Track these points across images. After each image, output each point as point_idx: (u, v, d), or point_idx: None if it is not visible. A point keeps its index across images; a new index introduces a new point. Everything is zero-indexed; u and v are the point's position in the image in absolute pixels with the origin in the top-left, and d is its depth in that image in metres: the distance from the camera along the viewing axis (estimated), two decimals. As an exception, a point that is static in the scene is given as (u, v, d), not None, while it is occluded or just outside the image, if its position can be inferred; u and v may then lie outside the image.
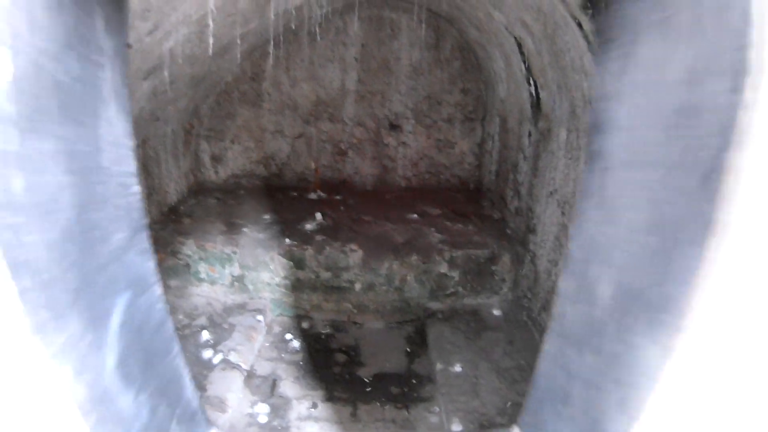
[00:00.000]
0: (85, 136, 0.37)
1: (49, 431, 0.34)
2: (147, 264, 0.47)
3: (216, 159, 2.17)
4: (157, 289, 0.49)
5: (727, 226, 0.32)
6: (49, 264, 0.33)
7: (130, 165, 0.45)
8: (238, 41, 1.61)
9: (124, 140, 0.43)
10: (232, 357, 1.24)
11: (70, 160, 0.35)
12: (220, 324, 1.40)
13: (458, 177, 2.32)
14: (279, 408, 1.13)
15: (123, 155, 0.43)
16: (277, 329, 1.48)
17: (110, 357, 0.39)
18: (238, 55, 1.82)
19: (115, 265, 0.41)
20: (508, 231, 1.68)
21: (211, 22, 1.26)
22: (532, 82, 1.47)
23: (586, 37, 1.01)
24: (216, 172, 2.18)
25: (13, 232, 0.30)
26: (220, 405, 1.04)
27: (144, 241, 0.47)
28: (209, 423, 0.52)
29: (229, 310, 1.47)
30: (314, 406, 1.16)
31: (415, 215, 1.81)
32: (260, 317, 1.44)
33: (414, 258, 1.50)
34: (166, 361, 0.48)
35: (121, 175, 0.43)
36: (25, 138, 0.30)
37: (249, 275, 1.55)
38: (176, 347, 0.50)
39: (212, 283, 1.57)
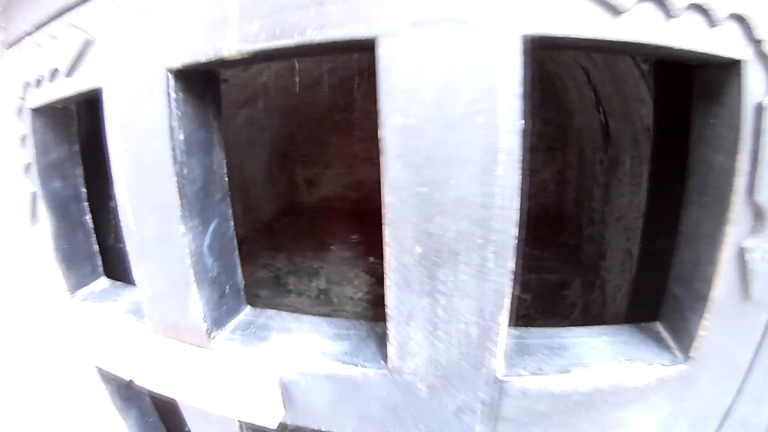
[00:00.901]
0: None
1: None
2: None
3: (309, 182, 2.67)
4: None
5: None
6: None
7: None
8: (326, 76, 2.02)
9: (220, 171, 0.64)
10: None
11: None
12: None
13: (541, 205, 2.48)
14: None
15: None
16: None
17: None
18: (327, 88, 2.24)
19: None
20: (582, 257, 1.81)
21: (296, 62, 1.57)
22: (601, 110, 1.66)
23: (638, 66, 1.21)
24: (309, 194, 2.67)
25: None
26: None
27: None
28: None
29: None
30: None
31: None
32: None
33: (486, 280, 1.73)
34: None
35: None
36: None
37: (334, 289, 1.93)
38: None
39: (299, 294, 1.98)
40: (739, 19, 0.32)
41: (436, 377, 0.38)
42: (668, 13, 0.30)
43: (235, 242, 0.47)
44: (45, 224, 0.57)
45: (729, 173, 0.36)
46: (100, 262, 0.63)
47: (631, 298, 0.72)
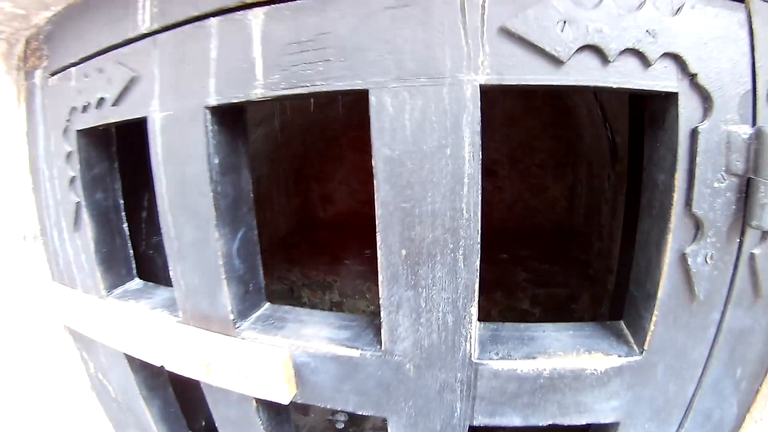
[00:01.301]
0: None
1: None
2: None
3: (325, 198, 2.81)
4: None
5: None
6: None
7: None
8: (340, 96, 2.21)
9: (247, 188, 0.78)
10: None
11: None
12: None
13: (551, 220, 2.56)
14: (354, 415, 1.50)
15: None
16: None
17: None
18: (341, 107, 2.39)
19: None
20: (591, 272, 1.87)
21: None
22: (608, 127, 1.75)
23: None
24: (324, 210, 2.82)
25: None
26: (304, 409, 1.48)
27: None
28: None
29: None
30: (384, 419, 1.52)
31: (505, 255, 2.12)
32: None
33: (498, 294, 1.81)
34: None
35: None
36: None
37: (347, 302, 2.03)
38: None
39: (313, 307, 2.10)
40: (674, 57, 0.41)
41: (421, 359, 0.47)
42: (605, 58, 0.40)
43: (258, 247, 0.58)
44: (87, 230, 0.69)
45: (670, 189, 0.45)
46: (134, 265, 0.75)
47: (613, 300, 0.80)
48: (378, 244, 0.44)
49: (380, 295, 0.46)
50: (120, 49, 0.57)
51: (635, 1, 0.38)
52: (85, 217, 0.68)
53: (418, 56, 0.39)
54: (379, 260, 0.45)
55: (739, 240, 0.46)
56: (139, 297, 0.70)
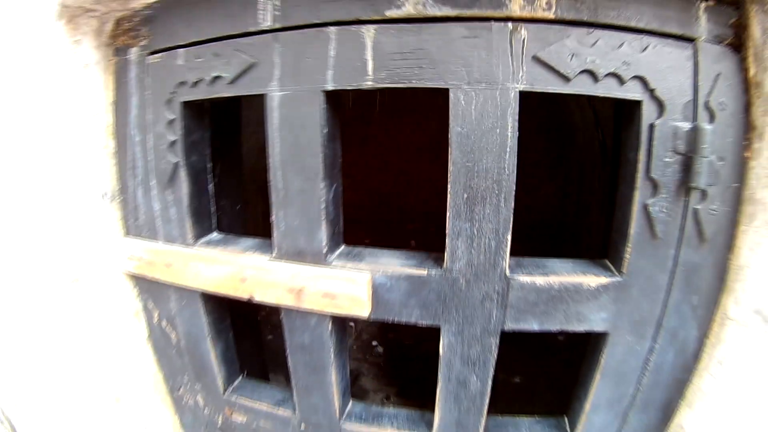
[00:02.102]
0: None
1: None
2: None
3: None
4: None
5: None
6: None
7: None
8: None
9: (339, 153, 1.17)
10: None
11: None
12: None
13: (543, 218, 2.95)
14: (357, 396, 1.80)
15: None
16: (365, 336, 2.20)
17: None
18: (348, 101, 2.68)
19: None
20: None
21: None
22: (599, 130, 2.14)
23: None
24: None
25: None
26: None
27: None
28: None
29: None
30: (387, 398, 1.81)
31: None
32: (352, 323, 2.18)
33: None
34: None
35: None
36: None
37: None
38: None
39: None
40: (640, 78, 0.74)
41: (471, 274, 0.78)
42: (596, 78, 0.73)
43: (341, 200, 0.87)
44: (182, 187, 0.95)
45: (636, 162, 0.78)
46: (215, 220, 1.01)
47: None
48: (449, 190, 0.74)
49: (447, 227, 0.76)
50: (239, 39, 0.85)
51: (617, 42, 0.71)
52: (182, 175, 0.95)
53: (481, 70, 0.70)
54: (448, 202, 0.75)
55: (685, 198, 0.79)
56: (224, 244, 0.97)
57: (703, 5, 0.74)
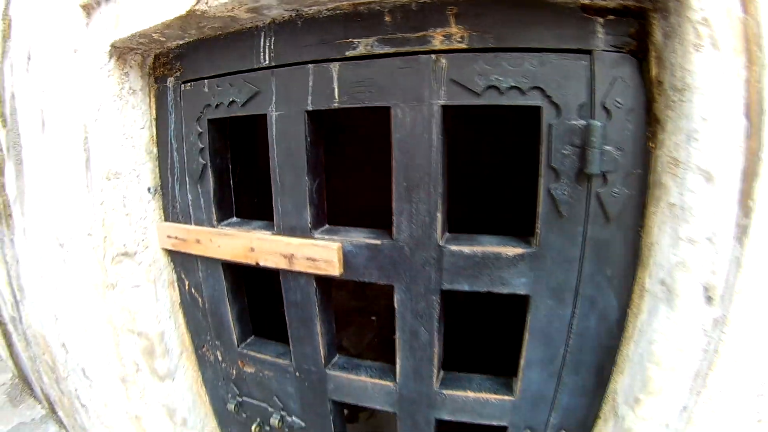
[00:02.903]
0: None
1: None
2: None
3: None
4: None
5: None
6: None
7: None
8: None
9: (321, 156, 1.68)
10: (344, 343, 2.43)
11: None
12: (342, 320, 2.64)
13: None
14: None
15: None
16: (386, 332, 2.64)
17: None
18: None
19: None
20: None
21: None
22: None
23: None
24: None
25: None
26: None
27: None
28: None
29: (350, 311, 2.71)
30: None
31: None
32: (374, 318, 2.64)
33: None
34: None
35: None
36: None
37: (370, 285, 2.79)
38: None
39: (338, 289, 2.85)
40: (538, 88, 1.12)
41: (413, 244, 1.20)
42: (500, 92, 1.12)
43: (324, 191, 1.33)
44: (209, 182, 1.45)
45: (540, 154, 1.16)
46: (234, 208, 1.51)
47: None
48: (393, 180, 1.17)
49: (393, 208, 1.19)
50: (247, 73, 1.33)
51: (519, 62, 1.08)
52: (209, 173, 1.44)
53: (413, 91, 1.13)
54: (392, 189, 1.18)
55: (588, 183, 1.14)
56: (240, 225, 1.45)
57: (601, 20, 0.99)
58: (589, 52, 1.02)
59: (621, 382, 1.16)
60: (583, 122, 1.04)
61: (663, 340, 1.03)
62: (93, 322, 1.69)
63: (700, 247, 0.94)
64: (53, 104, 1.57)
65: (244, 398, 1.67)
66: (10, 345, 3.23)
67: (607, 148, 1.03)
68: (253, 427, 1.66)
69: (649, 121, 1.03)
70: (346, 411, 2.43)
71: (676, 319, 1.00)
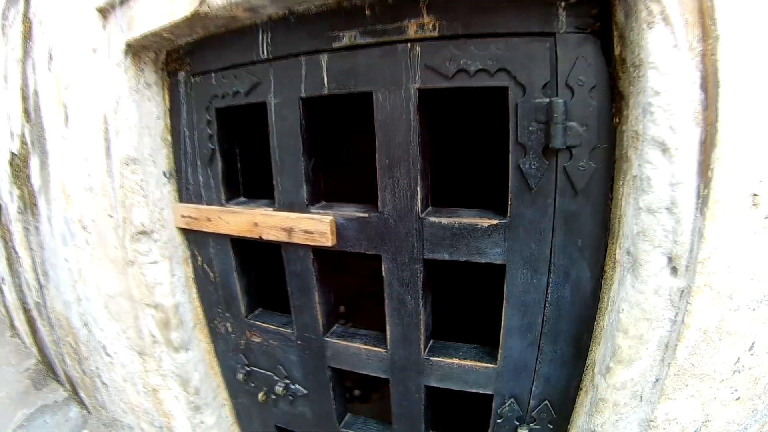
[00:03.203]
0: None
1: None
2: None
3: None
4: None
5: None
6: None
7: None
8: None
9: (316, 139, 1.88)
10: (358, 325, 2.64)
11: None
12: (356, 303, 2.86)
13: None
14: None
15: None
16: None
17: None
18: None
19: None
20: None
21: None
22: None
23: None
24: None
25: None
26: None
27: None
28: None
29: (364, 295, 2.93)
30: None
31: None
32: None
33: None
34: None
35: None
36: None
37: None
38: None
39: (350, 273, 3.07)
40: (504, 70, 1.28)
41: (396, 216, 1.40)
42: (469, 74, 1.30)
43: (320, 168, 1.54)
44: (218, 165, 1.68)
45: (509, 131, 1.34)
46: (241, 189, 1.74)
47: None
48: (377, 158, 1.37)
49: (378, 183, 1.39)
50: (248, 66, 1.55)
51: (486, 46, 1.24)
52: (218, 157, 1.67)
53: (392, 77, 1.32)
54: (377, 166, 1.38)
55: (555, 158, 1.30)
56: (246, 204, 1.68)
57: (563, 4, 1.09)
58: (552, 34, 1.13)
59: (598, 353, 1.25)
60: (546, 100, 1.16)
61: (628, 308, 1.10)
62: (113, 298, 1.95)
63: (659, 216, 1.01)
64: (76, 99, 1.82)
65: (252, 368, 1.90)
66: (34, 331, 3.57)
67: (571, 123, 1.14)
68: (259, 396, 1.89)
69: (614, 98, 1.12)
70: (357, 392, 2.66)
71: (640, 288, 1.07)
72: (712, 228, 0.95)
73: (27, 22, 2.12)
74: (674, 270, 1.02)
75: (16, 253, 3.20)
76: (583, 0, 1.09)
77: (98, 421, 2.98)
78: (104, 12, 1.64)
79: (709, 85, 0.92)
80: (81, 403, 3.25)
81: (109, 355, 2.24)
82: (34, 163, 2.36)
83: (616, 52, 1.09)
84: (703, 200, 0.96)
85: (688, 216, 0.98)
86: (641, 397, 1.13)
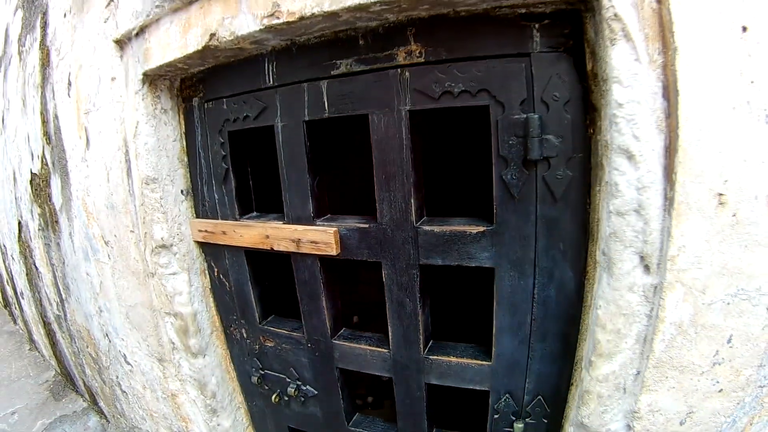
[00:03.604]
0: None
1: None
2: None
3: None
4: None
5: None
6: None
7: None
8: None
9: (318, 158, 2.07)
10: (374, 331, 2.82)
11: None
12: (373, 312, 3.03)
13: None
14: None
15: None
16: None
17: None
18: None
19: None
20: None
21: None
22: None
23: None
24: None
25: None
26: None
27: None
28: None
29: (381, 304, 3.11)
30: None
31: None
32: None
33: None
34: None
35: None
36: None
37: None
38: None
39: (367, 285, 3.24)
40: (485, 90, 1.47)
41: (393, 225, 1.59)
42: (453, 95, 1.49)
43: (324, 185, 1.72)
44: (232, 183, 1.88)
45: (491, 145, 1.51)
46: (254, 204, 1.93)
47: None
48: (374, 173, 1.56)
49: (375, 196, 1.57)
50: (256, 92, 1.75)
51: (468, 69, 1.46)
52: (231, 176, 1.87)
53: (384, 100, 1.52)
54: (374, 181, 1.56)
55: (535, 168, 1.48)
56: (258, 217, 1.88)
57: (537, 26, 1.20)
58: (527, 54, 1.24)
59: (584, 349, 1.33)
60: (523, 116, 1.29)
61: (605, 304, 1.17)
62: (134, 308, 2.15)
63: (629, 218, 1.08)
64: (96, 123, 2.05)
65: (266, 371, 2.09)
66: (53, 343, 3.80)
67: (547, 136, 1.26)
68: (273, 398, 2.07)
69: (588, 110, 1.21)
70: (370, 399, 2.82)
71: (615, 285, 1.14)
72: (679, 227, 1.01)
73: (44, 48, 2.36)
74: (646, 268, 1.09)
75: (36, 268, 3.43)
76: (556, 20, 1.19)
77: (117, 429, 3.19)
78: (121, 44, 1.87)
79: (670, 93, 0.98)
80: (100, 412, 3.46)
81: (129, 363, 2.44)
82: (55, 182, 2.58)
83: (589, 67, 1.18)
84: (669, 202, 1.02)
85: (655, 217, 1.06)
86: (624, 389, 1.20)
